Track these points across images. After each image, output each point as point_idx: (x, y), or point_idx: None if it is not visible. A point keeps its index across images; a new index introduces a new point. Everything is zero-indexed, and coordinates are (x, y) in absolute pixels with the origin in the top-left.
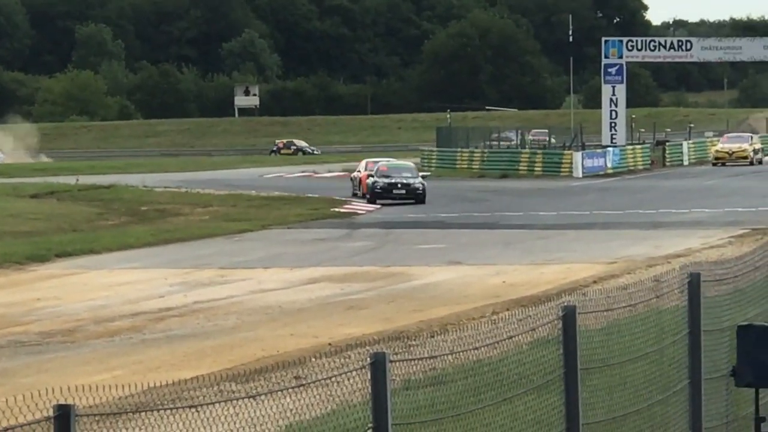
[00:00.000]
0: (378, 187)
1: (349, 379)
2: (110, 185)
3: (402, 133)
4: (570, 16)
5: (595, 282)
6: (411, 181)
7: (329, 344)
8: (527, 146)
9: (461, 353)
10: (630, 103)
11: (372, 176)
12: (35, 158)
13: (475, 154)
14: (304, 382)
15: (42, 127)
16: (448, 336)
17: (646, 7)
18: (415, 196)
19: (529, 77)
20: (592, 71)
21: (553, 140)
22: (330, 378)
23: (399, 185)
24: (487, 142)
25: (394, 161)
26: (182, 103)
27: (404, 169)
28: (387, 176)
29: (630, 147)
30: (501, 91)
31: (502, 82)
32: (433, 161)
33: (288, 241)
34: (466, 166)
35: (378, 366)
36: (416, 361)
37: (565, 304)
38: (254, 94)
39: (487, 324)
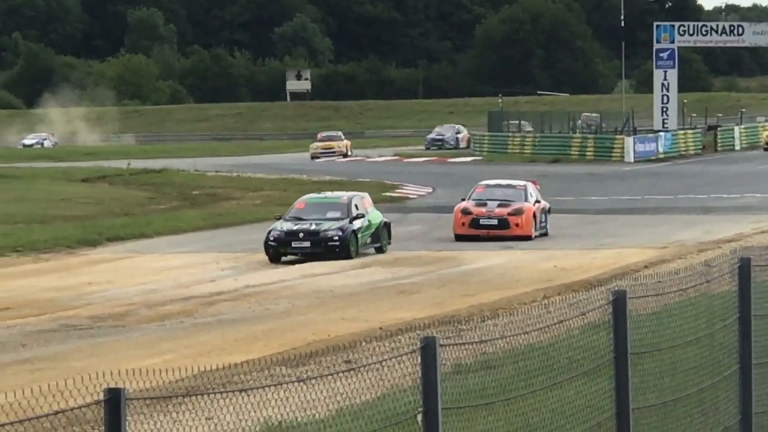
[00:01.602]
0: (272, 237)
1: (399, 364)
2: (161, 169)
3: (453, 118)
4: (622, 0)
5: (646, 267)
6: (327, 226)
7: (380, 328)
8: (578, 131)
9: (512, 338)
10: (681, 88)
11: (280, 217)
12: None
13: (527, 139)
14: (354, 366)
15: (95, 111)
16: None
17: None
18: (326, 248)
19: (580, 62)
20: (643, 56)
21: (604, 125)
22: (381, 362)
23: (302, 234)
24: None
25: (319, 196)
26: (234, 87)
27: (332, 205)
28: (298, 218)
29: (681, 132)
30: (552, 75)
31: (553, 66)
32: (485, 146)
33: None
34: (517, 150)
35: (428, 350)
36: (467, 346)
37: (616, 288)
38: (306, 79)
39: (538, 308)
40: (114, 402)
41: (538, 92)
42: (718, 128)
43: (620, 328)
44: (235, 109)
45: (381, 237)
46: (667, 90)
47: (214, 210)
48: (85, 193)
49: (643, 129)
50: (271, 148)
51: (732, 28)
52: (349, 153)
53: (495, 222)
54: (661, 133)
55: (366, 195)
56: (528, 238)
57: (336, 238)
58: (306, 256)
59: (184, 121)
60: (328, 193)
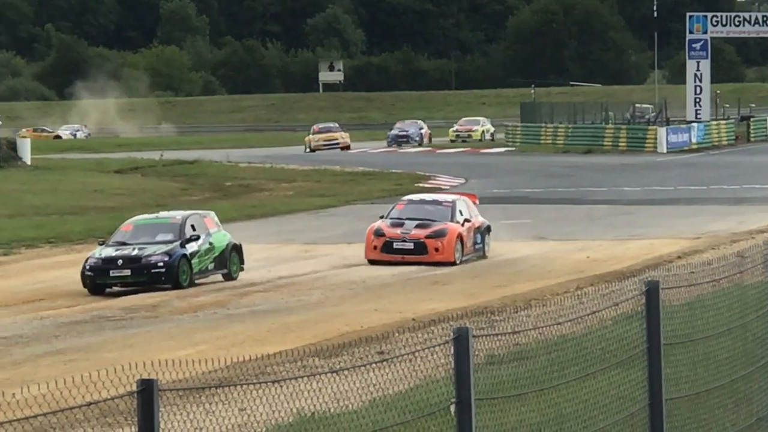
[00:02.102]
0: (89, 266)
1: (432, 355)
2: (194, 160)
3: (486, 109)
4: None
5: (678, 257)
6: (151, 250)
7: (413, 319)
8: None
9: (544, 328)
10: (714, 79)
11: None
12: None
13: (560, 130)
14: (387, 358)
15: (127, 103)
16: (532, 311)
17: None
18: (150, 277)
19: (613, 53)
20: (676, 47)
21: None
22: (413, 353)
23: (120, 261)
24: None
25: (149, 217)
26: (267, 78)
27: (163, 226)
28: (121, 243)
29: (714, 122)
30: (585, 66)
31: (586, 57)
32: (518, 137)
33: (372, 217)
34: (550, 141)
35: (461, 341)
36: (499, 337)
37: (649, 279)
38: (339, 70)
39: (571, 299)
40: (147, 393)
41: (571, 83)
42: (751, 119)
43: (653, 318)
44: (268, 100)
45: (228, 261)
46: (700, 81)
47: (247, 201)
48: (118, 185)
49: (675, 120)
50: (304, 139)
51: (765, 18)
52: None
53: (411, 246)
54: (694, 124)
55: (210, 213)
56: (451, 264)
57: (161, 264)
58: (127, 286)
59: (216, 112)
60: (162, 213)
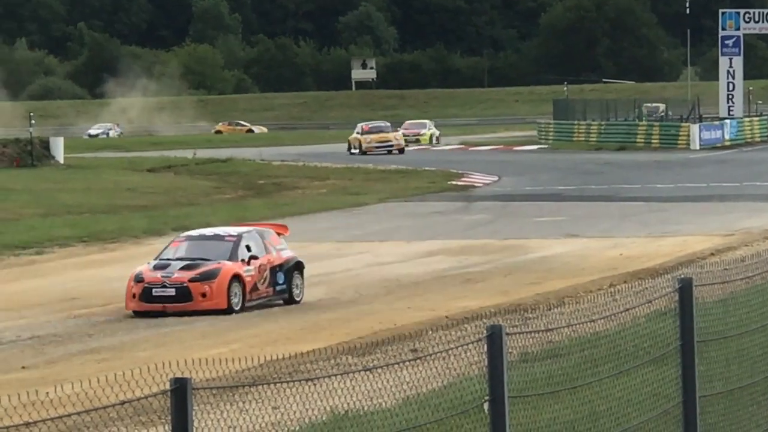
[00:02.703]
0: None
1: (466, 352)
2: (227, 159)
3: (519, 106)
4: None
5: (712, 254)
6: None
7: (446, 317)
8: (644, 119)
9: (578, 326)
10: (747, 75)
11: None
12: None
13: (593, 127)
14: (421, 355)
15: (161, 101)
16: (565, 309)
17: None
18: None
19: (645, 49)
20: (709, 43)
21: (670, 112)
22: (447, 351)
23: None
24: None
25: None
26: (299, 76)
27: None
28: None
29: (747, 119)
30: (618, 63)
31: (618, 54)
32: (551, 134)
33: (405, 215)
34: (583, 138)
35: (494, 339)
36: (533, 334)
37: (682, 276)
38: (371, 68)
39: (604, 297)
40: (180, 391)
41: (604, 80)
42: None
43: (686, 315)
44: (301, 98)
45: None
46: (733, 77)
47: (280, 199)
48: (151, 183)
49: (708, 116)
50: (337, 137)
51: None
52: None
53: (172, 292)
54: (727, 121)
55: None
56: (226, 311)
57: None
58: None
59: (249, 110)
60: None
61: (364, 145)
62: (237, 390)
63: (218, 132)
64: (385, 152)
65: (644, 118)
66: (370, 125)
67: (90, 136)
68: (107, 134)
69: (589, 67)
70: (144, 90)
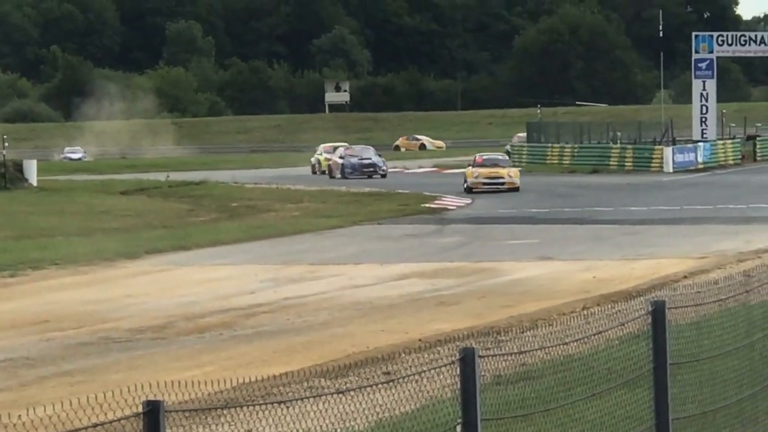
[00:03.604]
0: None
1: (438, 375)
2: (200, 181)
3: (492, 129)
4: (660, 11)
5: (685, 277)
6: None
7: (419, 340)
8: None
9: (551, 348)
10: (720, 98)
11: None
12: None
13: (566, 150)
14: (394, 378)
15: (133, 124)
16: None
17: (736, 2)
18: None
19: (619, 72)
20: (682, 66)
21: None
22: (420, 374)
23: None
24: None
25: None
26: (272, 99)
27: None
28: None
29: (721, 142)
30: (591, 86)
31: (592, 77)
32: (524, 156)
33: (378, 237)
34: (556, 161)
35: (467, 361)
36: (506, 357)
37: (655, 299)
38: (345, 90)
39: (578, 319)
40: (153, 414)
41: (577, 103)
42: (758, 138)
43: (659, 338)
44: (274, 121)
45: None
46: (706, 100)
47: (254, 222)
48: (125, 206)
49: (682, 139)
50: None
51: None
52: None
53: None
54: (700, 144)
55: None
56: None
57: None
58: None
59: (223, 132)
60: None
61: (469, 181)
62: (210, 413)
63: (397, 148)
64: (495, 190)
65: (618, 141)
66: (484, 157)
67: (70, 159)
68: (81, 159)
69: (563, 89)
70: (117, 113)
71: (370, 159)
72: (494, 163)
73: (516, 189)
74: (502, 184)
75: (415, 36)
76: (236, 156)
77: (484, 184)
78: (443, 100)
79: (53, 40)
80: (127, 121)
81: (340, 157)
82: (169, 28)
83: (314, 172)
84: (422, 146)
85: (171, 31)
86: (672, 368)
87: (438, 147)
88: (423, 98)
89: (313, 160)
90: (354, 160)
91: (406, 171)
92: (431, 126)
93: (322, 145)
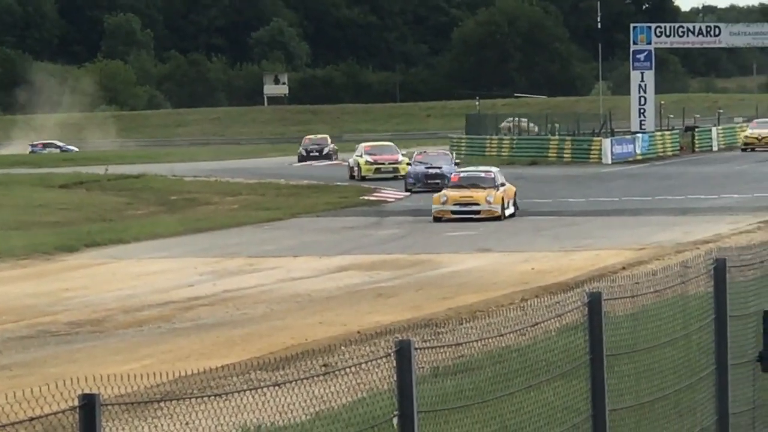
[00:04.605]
0: None
1: (377, 367)
2: (139, 175)
3: (431, 121)
4: (599, 2)
5: (623, 268)
6: None
7: (358, 332)
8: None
9: (489, 340)
10: (659, 89)
11: None
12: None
13: (504, 141)
14: (332, 370)
15: (71, 117)
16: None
17: None
18: None
19: (558, 64)
20: (621, 57)
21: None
22: (358, 365)
23: None
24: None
25: None
26: (211, 92)
27: None
28: None
29: (659, 133)
30: (530, 78)
31: (531, 69)
32: (463, 148)
33: (317, 230)
34: (495, 153)
35: (403, 353)
36: (445, 349)
37: (591, 290)
38: (283, 83)
39: (516, 311)
40: (89, 408)
41: (516, 94)
42: (696, 129)
43: (595, 329)
44: (213, 114)
45: None
46: (645, 91)
47: (192, 215)
48: (63, 199)
49: (620, 130)
50: (249, 153)
51: (709, 29)
52: None
53: None
54: (639, 135)
55: None
56: None
57: None
58: None
59: (162, 126)
60: None
61: (435, 209)
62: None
63: None
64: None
65: (556, 133)
66: (461, 175)
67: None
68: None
69: (502, 81)
70: (56, 106)
71: (440, 168)
72: (472, 183)
73: (498, 218)
74: (477, 213)
75: (354, 28)
76: (175, 149)
77: (454, 212)
78: (382, 92)
79: None
80: (66, 114)
81: (408, 164)
82: (107, 20)
83: (352, 177)
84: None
85: (110, 24)
86: (609, 359)
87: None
88: (362, 90)
89: (351, 161)
90: (419, 169)
91: (344, 164)
92: (370, 118)
93: (363, 145)
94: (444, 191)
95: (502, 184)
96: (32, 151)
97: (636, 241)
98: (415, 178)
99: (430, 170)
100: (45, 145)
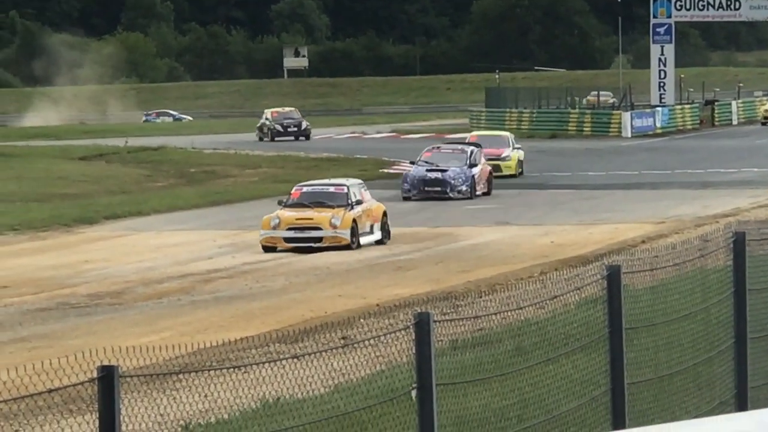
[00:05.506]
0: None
1: (395, 340)
2: (159, 147)
3: (451, 94)
4: None
5: (643, 242)
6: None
7: (377, 305)
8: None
9: (508, 313)
10: (679, 63)
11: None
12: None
13: (524, 115)
14: (350, 343)
15: (92, 89)
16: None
17: None
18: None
19: (578, 37)
20: (641, 31)
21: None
22: (376, 338)
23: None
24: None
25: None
26: (231, 64)
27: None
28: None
29: (679, 107)
30: (550, 51)
31: (550, 42)
32: (482, 122)
33: None
34: (515, 126)
35: (422, 326)
36: (464, 322)
37: (610, 264)
38: (303, 56)
39: (535, 284)
40: (107, 379)
41: (536, 68)
42: (716, 103)
43: (614, 302)
44: (233, 87)
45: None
46: (665, 65)
47: (212, 187)
48: (83, 172)
49: (640, 104)
50: None
51: (729, 2)
52: None
53: None
54: (659, 108)
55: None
56: None
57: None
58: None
59: (181, 98)
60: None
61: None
62: (167, 378)
63: None
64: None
65: (577, 107)
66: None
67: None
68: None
69: (521, 55)
70: (76, 78)
71: (443, 172)
72: (317, 200)
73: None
74: (318, 240)
75: (374, 1)
76: (195, 122)
77: (288, 240)
78: (402, 65)
79: (11, 5)
80: (86, 87)
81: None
82: None
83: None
84: None
85: None
86: (628, 333)
87: None
88: (381, 63)
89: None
90: (419, 172)
91: (365, 136)
92: (390, 91)
93: (471, 135)
94: (278, 211)
95: (359, 202)
96: (146, 120)
97: (655, 215)
98: (411, 183)
99: (430, 174)
100: (158, 114)
